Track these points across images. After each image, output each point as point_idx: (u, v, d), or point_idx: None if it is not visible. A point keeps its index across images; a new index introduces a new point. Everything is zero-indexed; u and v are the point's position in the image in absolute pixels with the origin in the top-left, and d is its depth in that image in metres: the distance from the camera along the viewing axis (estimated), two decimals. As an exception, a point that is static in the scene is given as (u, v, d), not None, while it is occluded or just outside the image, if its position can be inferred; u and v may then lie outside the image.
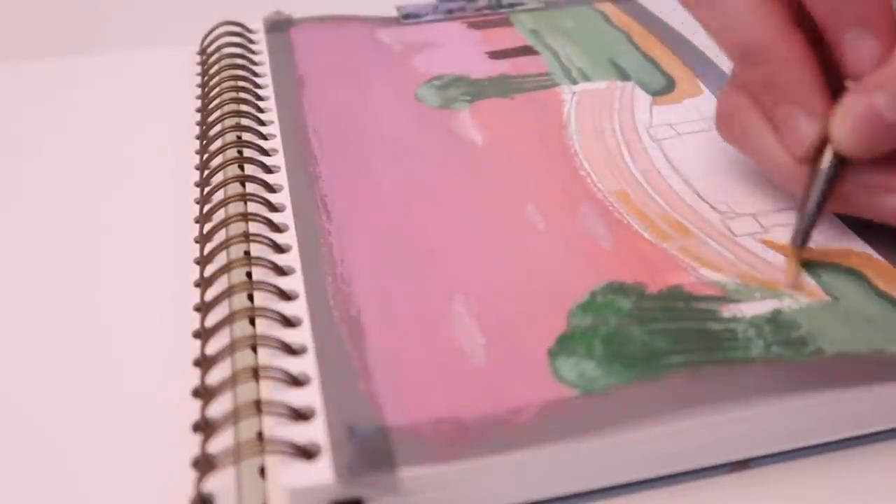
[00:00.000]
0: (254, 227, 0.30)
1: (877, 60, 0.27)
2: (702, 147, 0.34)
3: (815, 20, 0.27)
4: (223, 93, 0.38)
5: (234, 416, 0.24)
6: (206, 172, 0.34)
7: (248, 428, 0.24)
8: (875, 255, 0.28)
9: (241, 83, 0.38)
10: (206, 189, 0.33)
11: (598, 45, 0.42)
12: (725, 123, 0.31)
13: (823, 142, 0.27)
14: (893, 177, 0.27)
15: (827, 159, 0.27)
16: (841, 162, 0.27)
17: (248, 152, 0.34)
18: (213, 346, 0.26)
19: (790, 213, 0.30)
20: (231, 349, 0.25)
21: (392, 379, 0.24)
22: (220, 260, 0.29)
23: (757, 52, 0.28)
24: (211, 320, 0.27)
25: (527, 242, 0.29)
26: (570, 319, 0.26)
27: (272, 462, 0.23)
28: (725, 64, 0.40)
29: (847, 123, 0.26)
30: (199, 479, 0.23)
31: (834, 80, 0.28)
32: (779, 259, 0.28)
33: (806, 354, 0.25)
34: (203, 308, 0.28)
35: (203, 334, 0.27)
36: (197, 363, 0.27)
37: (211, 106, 0.37)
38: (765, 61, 0.28)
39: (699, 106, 0.37)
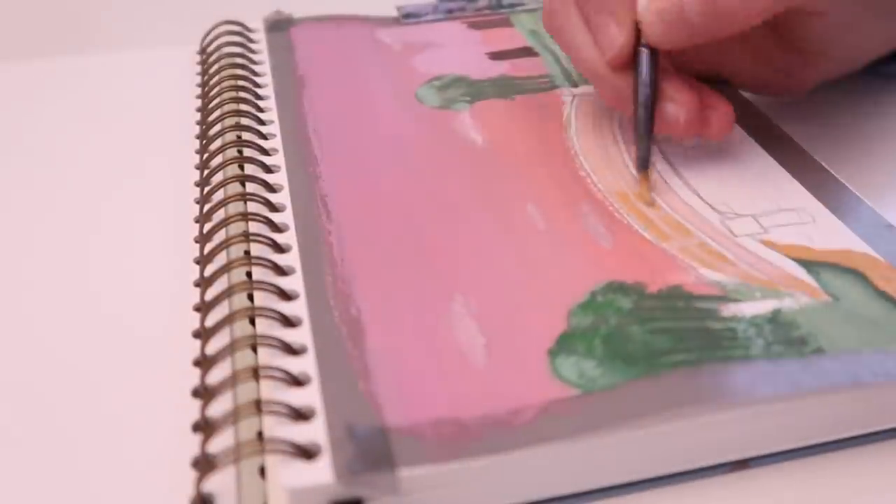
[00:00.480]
0: (254, 227, 0.30)
1: None
2: (702, 147, 0.34)
3: None
4: (223, 92, 0.38)
5: (234, 416, 0.24)
6: (206, 172, 0.34)
7: (248, 428, 0.24)
8: (875, 254, 0.28)
9: (241, 83, 0.38)
10: (206, 189, 0.33)
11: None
12: (548, 16, 0.34)
13: (635, 50, 0.31)
14: (674, 87, 0.32)
15: (644, 63, 0.31)
16: (652, 64, 0.31)
17: (248, 152, 0.34)
18: (213, 346, 0.26)
19: (791, 213, 0.30)
20: (231, 349, 0.25)
21: (392, 379, 0.24)
22: (220, 260, 0.29)
23: None
24: (211, 320, 0.27)
25: (527, 242, 0.29)
26: (570, 319, 0.26)
27: (272, 462, 0.23)
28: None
29: (653, 13, 0.31)
30: (199, 479, 0.23)
31: None
32: (780, 259, 0.28)
33: (806, 354, 0.25)
34: (203, 308, 0.28)
35: (203, 334, 0.27)
36: (197, 363, 0.27)
37: (211, 106, 0.37)
38: None
39: (699, 106, 0.37)
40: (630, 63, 0.32)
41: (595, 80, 0.33)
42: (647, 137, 0.32)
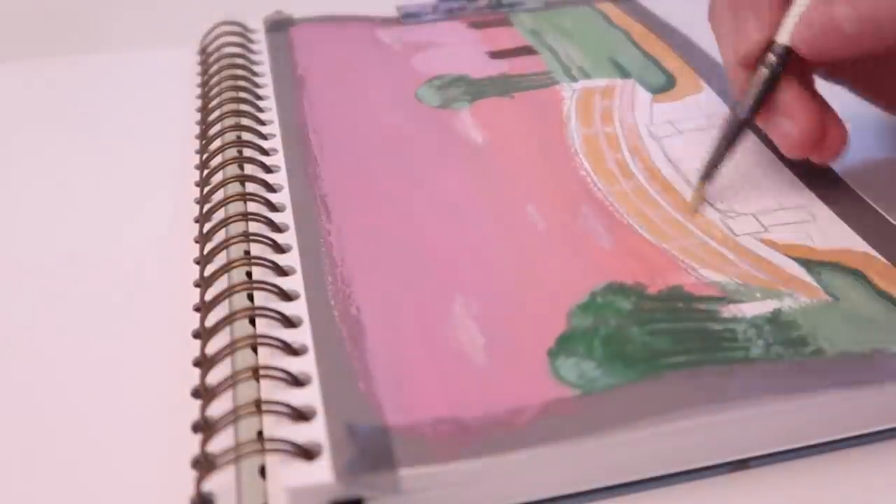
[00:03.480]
0: (254, 227, 0.30)
1: None
2: (702, 145, 0.34)
3: None
4: (223, 93, 0.38)
5: (234, 416, 0.24)
6: (206, 172, 0.34)
7: (248, 428, 0.24)
8: (875, 254, 0.28)
9: (241, 83, 0.38)
10: (206, 189, 0.33)
11: (598, 43, 0.42)
12: (709, 10, 0.33)
13: (764, 51, 0.30)
14: (794, 98, 0.30)
15: (768, 62, 0.30)
16: (776, 71, 0.30)
17: (248, 152, 0.34)
18: (213, 346, 0.26)
19: (791, 211, 0.30)
20: (231, 349, 0.25)
21: (392, 379, 0.24)
22: (220, 260, 0.29)
23: None
24: (211, 320, 0.27)
25: (527, 242, 0.29)
26: (569, 320, 0.26)
27: (272, 462, 0.23)
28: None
29: (804, 24, 0.29)
30: (199, 479, 0.23)
31: None
32: (780, 258, 0.28)
33: (806, 354, 0.25)
34: (203, 308, 0.28)
35: (203, 334, 0.27)
36: (197, 363, 0.27)
37: (211, 106, 0.38)
38: None
39: (699, 103, 0.37)
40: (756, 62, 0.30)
41: (728, 77, 0.32)
42: (724, 147, 0.31)
